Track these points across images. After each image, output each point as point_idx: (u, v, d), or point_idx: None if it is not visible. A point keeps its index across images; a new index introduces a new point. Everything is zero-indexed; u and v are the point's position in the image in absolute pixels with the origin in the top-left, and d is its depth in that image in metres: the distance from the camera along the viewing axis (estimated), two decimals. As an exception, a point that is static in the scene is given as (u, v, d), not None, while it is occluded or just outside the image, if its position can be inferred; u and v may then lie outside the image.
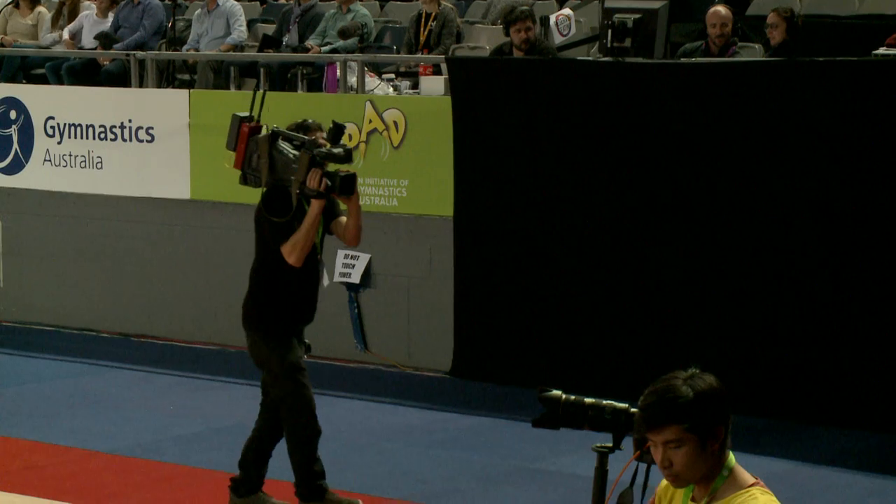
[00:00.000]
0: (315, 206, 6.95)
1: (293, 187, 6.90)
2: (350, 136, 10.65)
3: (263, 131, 7.05)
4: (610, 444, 3.99)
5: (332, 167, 7.02)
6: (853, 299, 9.18)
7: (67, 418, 9.71)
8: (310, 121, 7.30)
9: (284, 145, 6.98)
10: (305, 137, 7.00)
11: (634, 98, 9.83)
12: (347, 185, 6.95)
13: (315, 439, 7.31)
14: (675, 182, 9.69)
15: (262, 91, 7.26)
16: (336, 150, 6.91)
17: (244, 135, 7.05)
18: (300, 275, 7.12)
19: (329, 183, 6.88)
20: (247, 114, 7.12)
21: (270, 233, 7.07)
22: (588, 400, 4.02)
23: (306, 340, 7.35)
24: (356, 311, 11.13)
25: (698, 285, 9.65)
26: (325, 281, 7.28)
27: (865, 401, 9.15)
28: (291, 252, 7.00)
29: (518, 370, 10.14)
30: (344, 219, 7.27)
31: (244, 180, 7.16)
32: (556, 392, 4.05)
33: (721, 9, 11.08)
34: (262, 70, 12.71)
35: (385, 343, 11.07)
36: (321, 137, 7.07)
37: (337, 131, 7.00)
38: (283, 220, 6.96)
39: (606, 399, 4.03)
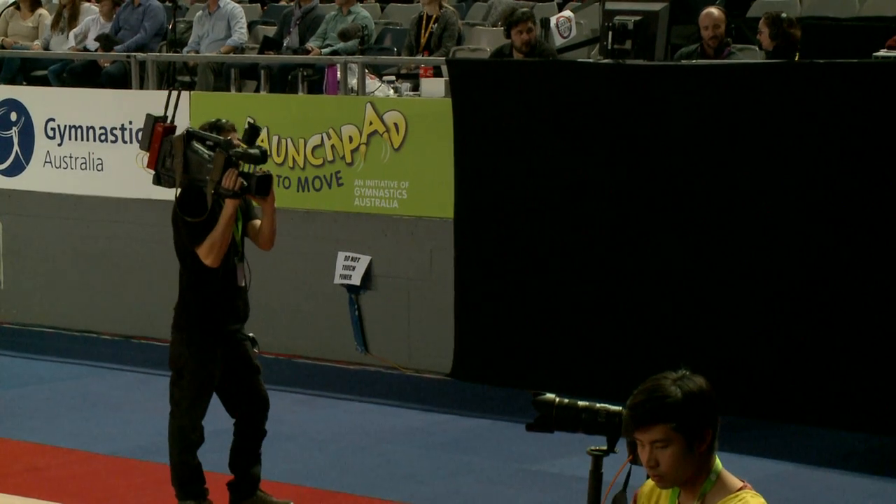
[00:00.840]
0: (230, 206, 6.87)
1: (208, 187, 6.82)
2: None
3: (178, 132, 7.00)
4: (604, 448, 4.00)
5: (247, 167, 6.94)
6: (855, 301, 9.17)
7: (68, 420, 9.72)
8: (223, 121, 7.25)
9: (199, 145, 6.91)
10: (220, 138, 6.94)
11: (635, 100, 9.83)
12: (263, 186, 6.87)
13: (194, 448, 7.28)
14: (675, 184, 9.69)
15: (177, 90, 7.16)
16: (252, 151, 6.82)
17: (158, 135, 6.99)
18: (220, 276, 7.05)
19: (244, 183, 6.80)
20: (161, 114, 7.05)
21: (186, 234, 7.01)
22: (582, 403, 4.03)
23: (250, 334, 7.28)
24: (357, 312, 11.13)
25: (699, 288, 9.64)
26: (242, 281, 7.18)
27: (866, 402, 9.15)
28: (208, 253, 6.94)
29: (518, 373, 10.14)
30: (258, 222, 7.20)
31: (157, 180, 7.09)
32: (550, 396, 4.06)
33: (714, 10, 11.09)
34: (262, 72, 12.72)
35: (385, 345, 11.07)
36: (236, 138, 7.02)
37: (252, 132, 6.90)
38: (198, 221, 6.90)
39: (604, 402, 4.04)
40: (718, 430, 3.74)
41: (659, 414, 3.65)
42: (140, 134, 7.17)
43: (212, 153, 6.83)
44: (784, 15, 11.04)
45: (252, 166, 6.94)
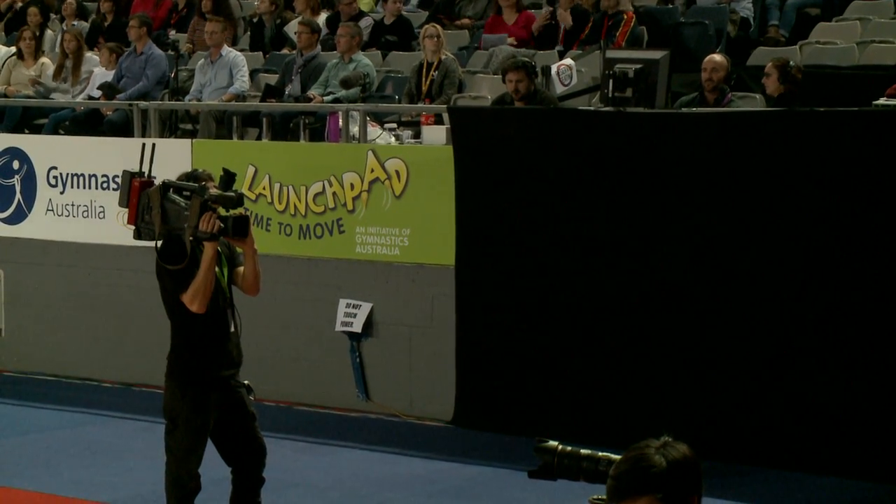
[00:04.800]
0: (209, 249, 6.87)
1: (186, 234, 6.83)
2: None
3: (156, 184, 7.01)
4: (606, 497, 3.97)
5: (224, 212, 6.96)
6: (860, 347, 9.16)
7: (69, 469, 9.69)
8: (199, 170, 7.27)
9: (176, 195, 6.93)
10: (196, 185, 6.94)
11: (636, 147, 9.85)
12: (240, 227, 6.88)
13: (191, 497, 7.22)
14: (676, 232, 9.70)
15: (151, 144, 7.18)
16: (228, 193, 6.83)
17: (135, 190, 7.01)
18: (208, 322, 7.05)
19: (222, 225, 6.81)
20: (137, 169, 7.07)
21: (170, 283, 7.02)
22: (584, 451, 3.99)
23: (245, 382, 7.27)
24: (358, 360, 11.13)
25: (703, 336, 9.63)
26: (232, 327, 7.19)
27: (869, 450, 9.12)
28: (193, 300, 6.93)
29: (520, 420, 10.12)
30: (242, 269, 7.20)
31: (138, 235, 7.10)
32: (553, 443, 4.03)
33: (717, 56, 11.17)
34: (264, 119, 12.75)
35: (387, 392, 11.06)
36: (212, 186, 7.04)
37: (228, 179, 6.89)
38: (178, 268, 6.91)
39: (607, 450, 4.02)
40: (702, 496, 3.70)
41: (644, 485, 3.60)
42: (119, 191, 7.19)
43: (188, 201, 6.86)
44: (791, 63, 11.12)
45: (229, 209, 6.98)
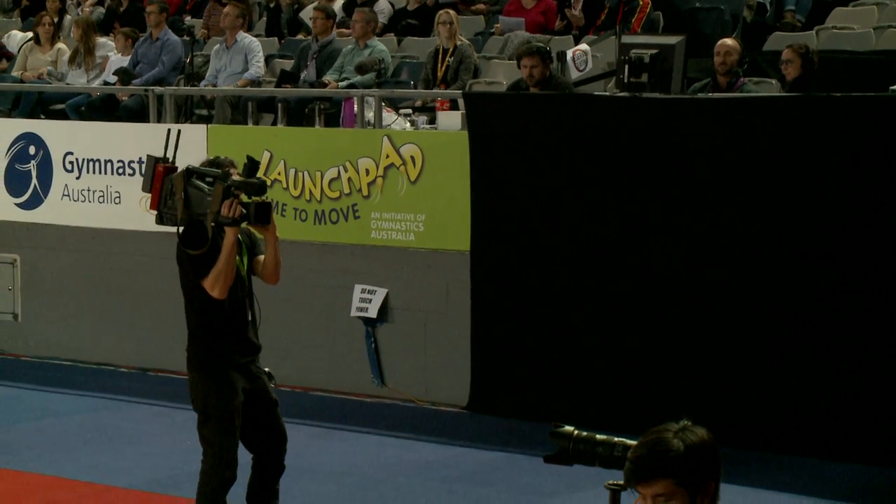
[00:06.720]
0: (230, 234, 6.87)
1: (208, 220, 6.83)
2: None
3: (180, 169, 7.00)
4: (623, 482, 3.97)
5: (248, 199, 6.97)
6: (875, 333, 9.15)
7: (85, 453, 9.72)
8: (221, 157, 7.27)
9: (199, 181, 6.94)
10: (219, 172, 6.95)
11: (651, 132, 9.84)
12: (262, 214, 6.87)
13: (226, 487, 7.16)
14: (692, 216, 9.70)
15: (176, 130, 7.17)
16: (251, 180, 6.83)
17: (159, 175, 7.01)
18: (226, 310, 7.04)
19: (244, 211, 6.82)
20: (161, 155, 7.08)
21: (191, 268, 7.01)
22: (599, 437, 3.99)
23: (266, 369, 7.28)
24: (373, 345, 11.14)
25: (719, 321, 9.62)
26: (251, 314, 7.19)
27: (885, 436, 9.12)
28: (214, 285, 6.93)
29: (535, 405, 10.13)
30: (261, 257, 7.19)
31: (160, 220, 7.10)
32: (569, 428, 4.03)
33: (728, 40, 11.14)
34: (279, 105, 12.75)
35: (402, 378, 11.07)
36: (235, 173, 7.04)
37: (252, 166, 6.89)
38: (200, 252, 6.92)
39: (622, 436, 4.02)
40: (720, 481, 3.70)
41: (661, 468, 3.60)
42: (143, 176, 7.19)
43: (211, 187, 6.86)
44: (811, 48, 11.11)
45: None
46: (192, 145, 11.68)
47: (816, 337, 9.31)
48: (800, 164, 9.32)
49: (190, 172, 6.98)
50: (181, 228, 6.98)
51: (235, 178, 6.92)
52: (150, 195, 7.10)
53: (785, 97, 10.32)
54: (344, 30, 14.20)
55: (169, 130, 7.14)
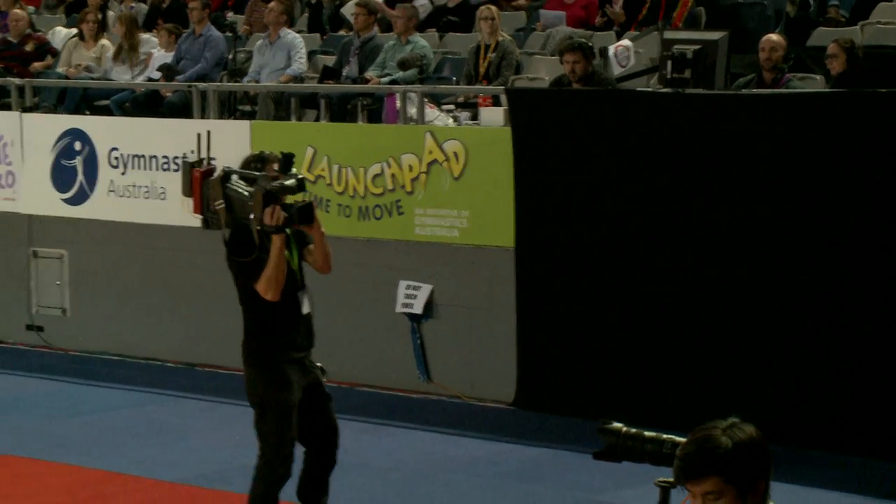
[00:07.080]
0: (276, 241, 6.90)
1: (253, 224, 6.84)
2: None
3: (217, 172, 7.00)
4: (672, 479, 3.98)
5: (289, 198, 6.96)
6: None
7: (134, 448, 9.80)
8: (266, 152, 7.28)
9: (237, 184, 6.93)
10: (256, 174, 6.95)
11: (695, 128, 9.84)
12: (305, 215, 6.91)
13: (280, 483, 7.20)
14: (737, 213, 9.68)
15: (206, 132, 7.17)
16: (288, 183, 6.83)
17: (197, 180, 7.03)
18: (280, 306, 7.07)
19: (287, 215, 6.84)
20: (196, 158, 7.09)
21: (242, 273, 7.07)
22: (648, 433, 4.00)
23: (318, 364, 7.30)
24: (419, 341, 11.18)
25: (768, 318, 9.58)
26: (305, 309, 7.23)
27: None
28: (267, 289, 6.96)
29: (582, 401, 10.13)
30: (311, 246, 7.23)
31: (206, 224, 7.13)
32: (618, 425, 4.04)
33: (774, 36, 11.10)
34: (322, 101, 12.81)
35: (448, 374, 11.10)
36: (272, 170, 7.04)
37: (286, 162, 6.93)
38: (248, 260, 6.97)
39: (670, 433, 4.03)
40: (771, 479, 3.71)
41: (709, 465, 3.60)
42: (182, 181, 7.23)
43: (251, 190, 6.88)
44: (856, 44, 11.06)
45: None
46: (236, 141, 11.79)
47: (875, 335, 9.23)
48: (846, 160, 9.29)
49: (227, 175, 7.00)
50: (227, 233, 7.03)
51: (274, 184, 6.89)
52: (191, 199, 7.15)
53: (831, 93, 10.27)
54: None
55: (199, 134, 7.17)
